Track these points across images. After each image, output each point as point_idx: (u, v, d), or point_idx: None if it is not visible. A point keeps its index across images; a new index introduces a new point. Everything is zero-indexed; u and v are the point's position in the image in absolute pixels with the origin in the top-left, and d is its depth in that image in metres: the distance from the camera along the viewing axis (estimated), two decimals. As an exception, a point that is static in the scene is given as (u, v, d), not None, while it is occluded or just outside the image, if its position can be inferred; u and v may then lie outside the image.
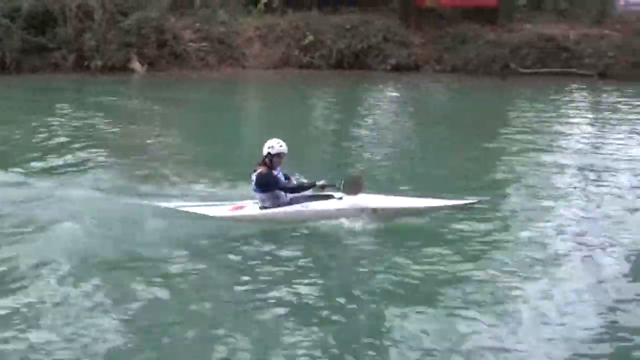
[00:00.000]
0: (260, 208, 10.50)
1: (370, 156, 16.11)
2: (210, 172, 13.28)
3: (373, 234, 9.99)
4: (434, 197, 10.56)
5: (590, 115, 23.16)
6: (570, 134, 19.05)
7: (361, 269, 8.99)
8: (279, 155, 10.41)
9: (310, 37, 35.43)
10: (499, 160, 15.62)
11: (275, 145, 10.41)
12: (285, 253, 9.53)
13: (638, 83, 30.55)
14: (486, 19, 36.26)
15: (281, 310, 7.74)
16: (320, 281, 8.60)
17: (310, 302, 7.98)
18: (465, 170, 14.56)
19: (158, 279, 8.58)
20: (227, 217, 10.51)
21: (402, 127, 21.11)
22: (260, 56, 35.60)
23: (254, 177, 10.37)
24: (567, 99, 26.98)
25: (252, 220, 10.44)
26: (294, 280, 8.54)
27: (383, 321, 7.46)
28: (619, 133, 19.22)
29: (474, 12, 36.52)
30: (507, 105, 25.69)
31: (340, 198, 10.26)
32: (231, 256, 9.44)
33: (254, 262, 9.21)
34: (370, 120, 21.54)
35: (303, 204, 10.34)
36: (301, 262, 9.26)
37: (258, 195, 10.48)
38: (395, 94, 28.59)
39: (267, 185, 10.32)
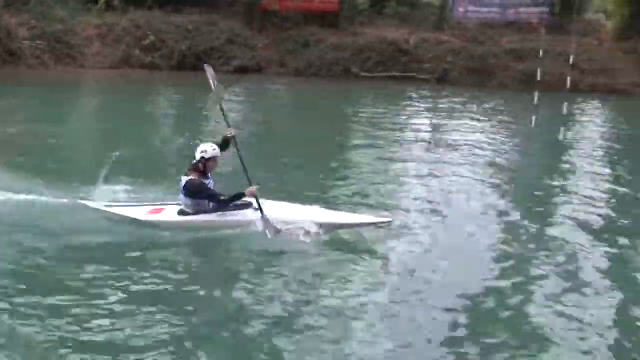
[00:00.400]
0: (179, 213, 10.03)
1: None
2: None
3: (290, 247, 9.46)
4: (349, 212, 10.29)
5: (426, 120, 23.63)
6: (404, 137, 19.32)
7: (266, 279, 8.53)
8: (213, 159, 9.92)
9: (152, 37, 34.74)
10: (333, 163, 15.60)
11: (209, 149, 9.89)
12: (194, 260, 9.22)
13: (473, 89, 31.65)
14: (328, 23, 36.63)
15: (178, 321, 7.27)
16: (217, 290, 8.27)
17: (204, 312, 7.56)
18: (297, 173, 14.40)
19: (58, 282, 8.07)
20: (143, 220, 10.01)
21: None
22: (100, 55, 34.60)
23: (184, 181, 9.84)
24: (406, 103, 27.45)
25: (167, 225, 9.97)
26: (193, 288, 8.18)
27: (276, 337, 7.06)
28: (450, 135, 19.64)
29: (316, 16, 36.81)
30: (348, 108, 25.83)
31: (256, 209, 9.76)
32: (137, 261, 8.87)
33: (158, 269, 8.67)
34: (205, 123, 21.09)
35: (220, 213, 9.87)
36: (205, 269, 9.00)
37: (183, 199, 9.99)
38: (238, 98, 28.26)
39: (197, 194, 9.82)
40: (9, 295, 7.64)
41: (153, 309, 7.43)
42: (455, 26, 37.76)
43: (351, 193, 12.49)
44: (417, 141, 18.67)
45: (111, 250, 9.13)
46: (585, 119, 25.93)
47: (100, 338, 6.78)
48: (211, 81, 10.08)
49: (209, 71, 10.22)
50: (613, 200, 13.36)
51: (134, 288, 8.01)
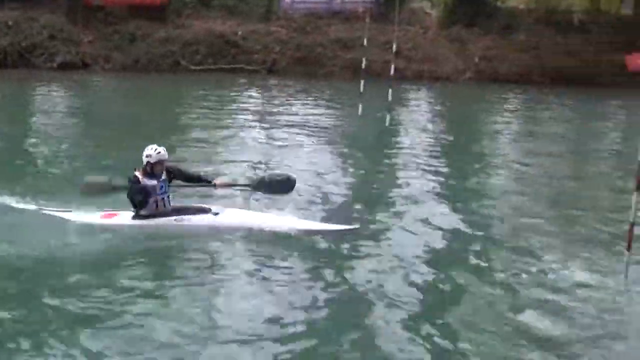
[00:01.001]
0: (134, 217, 9.55)
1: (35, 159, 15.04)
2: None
3: (245, 255, 9.02)
4: (313, 219, 9.99)
5: (256, 111, 23.65)
6: (233, 129, 19.30)
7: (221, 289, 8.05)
8: (159, 162, 9.44)
9: (-32, 33, 32.93)
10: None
11: (152, 153, 9.39)
12: (147, 268, 8.68)
13: (300, 78, 32.05)
14: (155, 16, 35.92)
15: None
16: (165, 300, 7.75)
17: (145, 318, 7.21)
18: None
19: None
20: (96, 225, 9.64)
21: (68, 128, 20.02)
22: None
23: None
24: (235, 95, 27.37)
25: (122, 229, 9.49)
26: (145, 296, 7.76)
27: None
28: (279, 128, 19.77)
29: (142, 9, 36.00)
30: (179, 102, 25.49)
31: (217, 214, 9.39)
32: (88, 266, 8.46)
33: (110, 274, 8.28)
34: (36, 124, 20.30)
35: (176, 217, 9.43)
36: (156, 278, 8.47)
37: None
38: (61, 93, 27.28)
39: (133, 196, 9.35)
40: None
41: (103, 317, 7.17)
42: (283, 17, 37.92)
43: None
44: (247, 129, 18.79)
45: (64, 256, 8.73)
46: (409, 105, 26.93)
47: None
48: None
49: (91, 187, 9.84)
50: (437, 178, 14.20)
51: (84, 297, 7.63)
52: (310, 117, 21.80)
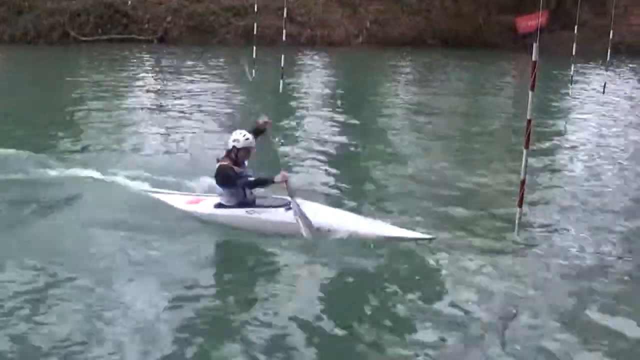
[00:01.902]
0: (216, 205, 9.22)
1: None
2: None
3: (305, 255, 8.32)
4: (387, 223, 8.85)
5: (151, 80, 23.41)
6: (128, 100, 19.09)
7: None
8: (246, 149, 9.02)
9: None
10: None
11: (240, 138, 9.01)
12: (215, 256, 8.49)
13: (193, 46, 31.79)
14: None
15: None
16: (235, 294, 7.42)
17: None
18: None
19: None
20: (179, 210, 9.50)
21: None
22: None
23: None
24: (128, 65, 26.97)
25: (200, 217, 9.26)
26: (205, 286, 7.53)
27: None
28: (172, 99, 19.64)
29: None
30: (68, 74, 24.88)
31: (289, 209, 8.74)
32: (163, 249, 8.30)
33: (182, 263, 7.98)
34: None
35: (248, 210, 8.96)
36: (225, 266, 8.35)
37: (217, 189, 9.20)
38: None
39: (225, 180, 8.95)
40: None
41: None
42: (173, -16, 37.36)
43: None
44: (142, 103, 18.64)
45: (136, 235, 8.61)
46: (302, 70, 27.09)
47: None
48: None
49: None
50: (328, 142, 14.51)
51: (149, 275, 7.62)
52: (203, 85, 21.77)
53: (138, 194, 10.06)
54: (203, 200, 9.55)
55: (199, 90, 20.75)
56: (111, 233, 8.60)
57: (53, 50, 31.52)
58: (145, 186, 10.38)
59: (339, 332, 6.56)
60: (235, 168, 8.92)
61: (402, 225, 8.63)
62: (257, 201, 9.17)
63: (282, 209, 8.86)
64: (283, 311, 6.85)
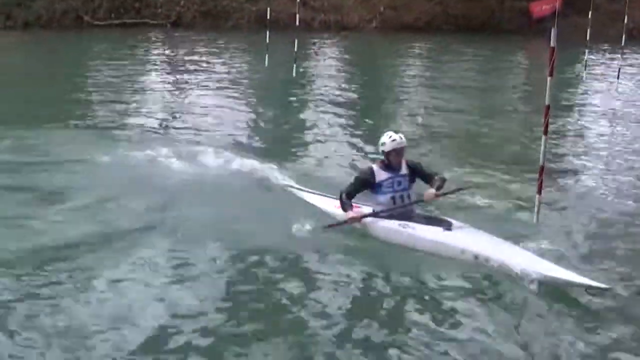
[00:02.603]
0: (374, 212, 8.29)
1: None
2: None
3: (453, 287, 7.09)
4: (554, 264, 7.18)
5: (165, 64, 23.46)
6: (142, 89, 19.16)
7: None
8: (394, 152, 8.12)
9: None
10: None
11: (386, 140, 8.14)
12: (345, 267, 7.42)
13: (206, 31, 31.81)
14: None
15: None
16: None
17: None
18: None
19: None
20: (330, 212, 8.72)
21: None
22: None
23: None
24: (143, 49, 27.05)
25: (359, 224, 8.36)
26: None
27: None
28: (187, 83, 19.71)
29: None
30: (84, 60, 24.93)
31: (448, 229, 7.81)
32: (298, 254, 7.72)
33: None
34: None
35: (401, 223, 8.04)
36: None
37: None
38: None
39: (359, 183, 8.30)
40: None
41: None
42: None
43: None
44: (154, 87, 18.74)
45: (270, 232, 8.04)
46: (315, 55, 27.06)
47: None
48: None
49: None
50: (344, 126, 14.70)
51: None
52: (218, 70, 21.84)
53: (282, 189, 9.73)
54: (358, 207, 8.48)
55: (212, 75, 20.79)
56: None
57: (66, 34, 31.56)
58: (290, 182, 9.93)
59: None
60: (378, 172, 8.15)
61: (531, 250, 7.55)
62: (416, 216, 8.25)
63: (440, 228, 7.85)
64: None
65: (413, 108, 17.23)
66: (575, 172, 11.66)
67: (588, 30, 22.70)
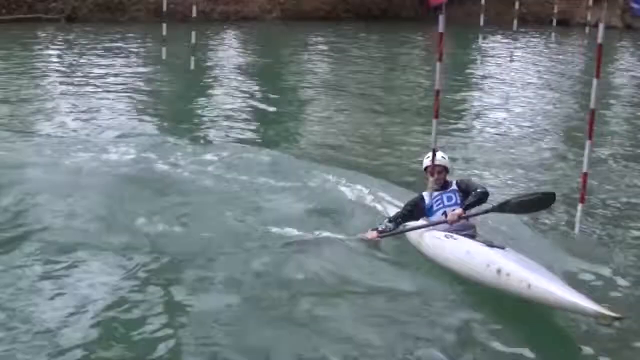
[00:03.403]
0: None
1: None
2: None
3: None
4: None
5: (58, 60, 22.86)
6: (35, 89, 18.58)
7: None
8: (430, 168, 7.91)
9: None
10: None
11: (423, 158, 8.19)
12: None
13: (103, 25, 31.17)
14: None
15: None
16: None
17: None
18: None
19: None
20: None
21: None
22: None
23: None
24: (35, 45, 26.23)
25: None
26: None
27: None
28: (83, 80, 19.26)
29: None
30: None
31: (502, 248, 6.96)
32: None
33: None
34: None
35: (447, 234, 7.43)
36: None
37: None
38: None
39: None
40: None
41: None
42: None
43: None
44: (50, 87, 18.14)
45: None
46: (215, 46, 26.88)
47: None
48: None
49: None
50: (243, 118, 14.75)
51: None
52: (113, 64, 21.36)
53: None
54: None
55: (108, 69, 20.28)
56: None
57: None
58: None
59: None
60: (427, 196, 7.93)
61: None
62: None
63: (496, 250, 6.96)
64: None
65: (310, 96, 17.37)
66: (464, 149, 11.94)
67: (482, 16, 23.26)
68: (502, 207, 7.62)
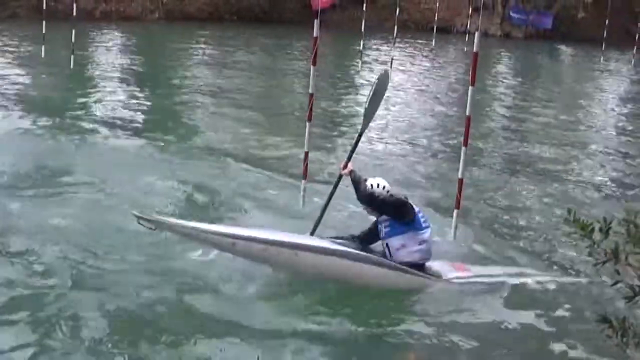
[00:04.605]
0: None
1: None
2: None
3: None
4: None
5: None
6: None
7: None
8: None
9: None
10: None
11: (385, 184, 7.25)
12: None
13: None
14: None
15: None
16: None
17: None
18: None
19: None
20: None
21: None
22: None
23: None
24: None
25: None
26: None
27: None
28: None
29: None
30: None
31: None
32: None
33: None
34: None
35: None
36: None
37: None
38: None
39: None
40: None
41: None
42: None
43: None
44: None
45: None
46: (94, 45, 26.53)
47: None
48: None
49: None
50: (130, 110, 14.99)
51: None
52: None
53: None
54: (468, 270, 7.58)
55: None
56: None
57: None
58: None
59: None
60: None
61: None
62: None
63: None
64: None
65: (186, 99, 17.45)
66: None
67: (363, 22, 23.80)
68: (365, 118, 7.95)
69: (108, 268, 7.14)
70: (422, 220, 7.13)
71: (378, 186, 7.06)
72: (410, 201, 7.20)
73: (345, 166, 7.36)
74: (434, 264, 7.29)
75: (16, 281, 6.74)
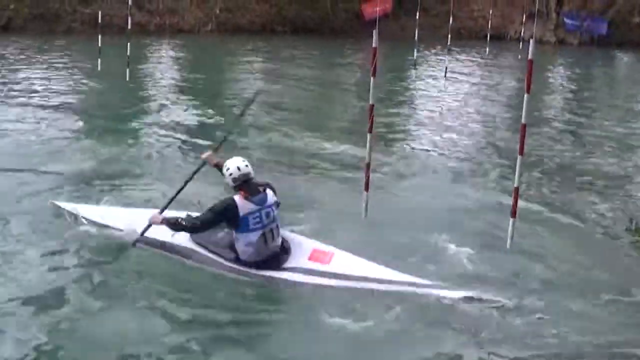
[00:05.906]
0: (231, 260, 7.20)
1: None
2: None
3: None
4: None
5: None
6: None
7: None
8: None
9: None
10: None
11: (234, 171, 7.07)
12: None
13: (41, 35, 30.76)
14: None
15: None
16: None
17: None
18: None
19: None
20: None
21: None
22: None
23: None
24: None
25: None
26: None
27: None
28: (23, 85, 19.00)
29: None
30: None
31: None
32: None
33: None
34: None
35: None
36: None
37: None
38: None
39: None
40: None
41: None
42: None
43: None
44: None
45: None
46: (150, 58, 26.78)
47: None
48: None
49: None
50: (181, 128, 14.69)
51: None
52: (48, 76, 21.07)
53: None
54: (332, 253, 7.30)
55: (43, 81, 20.04)
56: None
57: None
58: None
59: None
60: (242, 204, 6.95)
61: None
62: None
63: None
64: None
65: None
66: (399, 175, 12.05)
67: (416, 31, 23.65)
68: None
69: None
70: (253, 221, 6.89)
71: (228, 169, 7.05)
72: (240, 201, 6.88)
73: (162, 211, 7.42)
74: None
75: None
